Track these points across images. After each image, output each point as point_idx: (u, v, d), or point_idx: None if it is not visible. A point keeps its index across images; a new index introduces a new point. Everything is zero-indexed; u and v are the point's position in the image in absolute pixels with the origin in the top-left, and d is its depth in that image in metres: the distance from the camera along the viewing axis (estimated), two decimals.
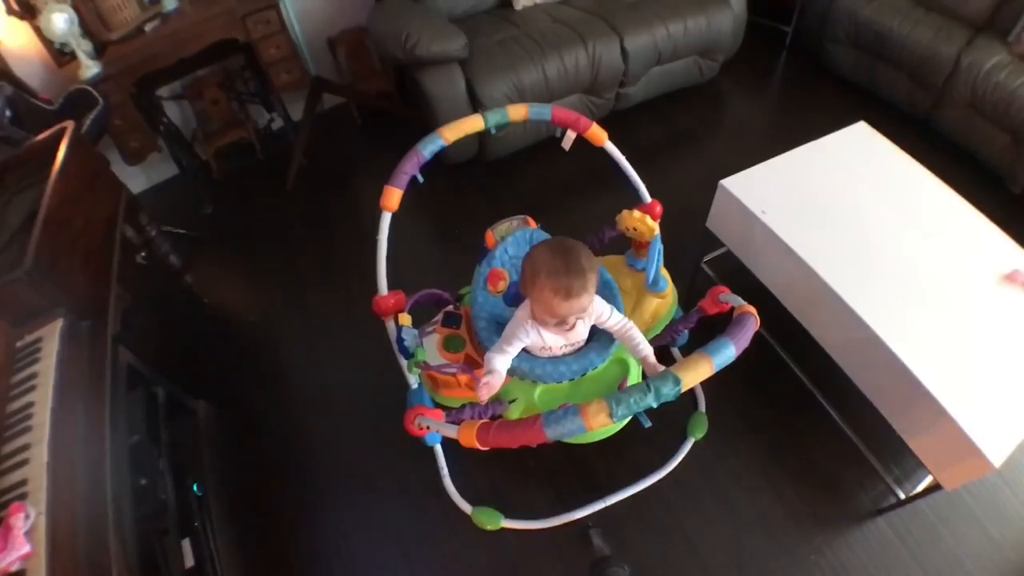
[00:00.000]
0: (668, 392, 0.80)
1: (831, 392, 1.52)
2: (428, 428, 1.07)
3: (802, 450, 1.47)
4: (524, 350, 1.20)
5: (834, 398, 1.51)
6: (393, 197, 1.20)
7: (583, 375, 1.20)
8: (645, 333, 1.36)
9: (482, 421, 0.87)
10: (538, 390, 1.23)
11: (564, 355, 1.20)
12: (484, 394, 1.05)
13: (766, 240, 1.38)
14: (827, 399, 1.52)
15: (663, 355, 1.58)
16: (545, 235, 1.38)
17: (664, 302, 1.40)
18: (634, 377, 1.26)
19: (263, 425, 1.68)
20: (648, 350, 1.11)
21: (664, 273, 1.40)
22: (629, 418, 1.14)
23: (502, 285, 1.33)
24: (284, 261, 2.13)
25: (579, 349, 1.22)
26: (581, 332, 1.17)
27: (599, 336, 1.22)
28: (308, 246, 2.17)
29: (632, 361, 1.26)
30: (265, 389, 1.76)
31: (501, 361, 1.11)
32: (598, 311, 1.14)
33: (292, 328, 1.91)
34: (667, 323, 1.39)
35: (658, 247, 1.28)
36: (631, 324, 1.15)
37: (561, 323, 1.07)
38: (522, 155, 2.30)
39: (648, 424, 1.05)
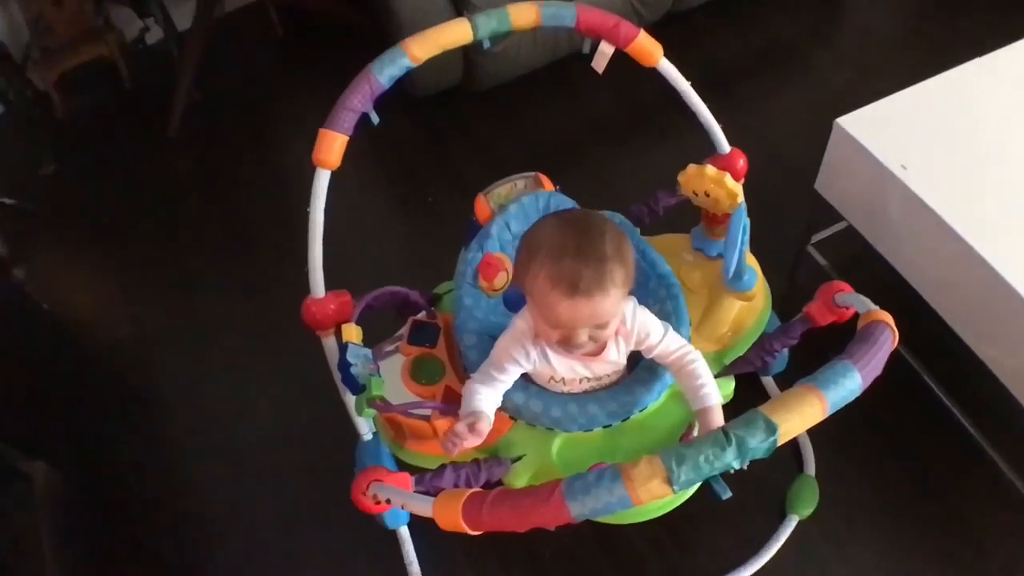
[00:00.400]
0: (758, 445, 0.79)
1: (1006, 442, 1.52)
2: (388, 502, 1.06)
3: (961, 529, 1.47)
4: (532, 379, 1.20)
5: (1011, 451, 1.51)
6: (333, 147, 1.20)
7: (626, 419, 1.19)
8: (723, 354, 1.35)
9: (471, 491, 0.86)
10: (557, 442, 1.23)
11: (592, 391, 1.20)
12: (453, 448, 1.04)
13: (908, 210, 1.37)
14: (1000, 452, 1.51)
15: (751, 387, 1.57)
16: (567, 201, 1.38)
17: (751, 307, 1.39)
18: None
19: (135, 493, 1.68)
20: (715, 399, 1.09)
21: (751, 262, 1.40)
22: (697, 485, 1.14)
23: (501, 279, 1.33)
24: (166, 247, 2.13)
25: (615, 383, 1.22)
26: (611, 360, 1.16)
27: (648, 362, 1.22)
28: (203, 223, 2.16)
29: None
30: (138, 441, 1.76)
31: (487, 398, 1.10)
32: (641, 328, 1.12)
33: (179, 349, 1.91)
34: (755, 338, 1.39)
35: (743, 222, 1.28)
36: (695, 354, 1.13)
37: (565, 339, 1.05)
38: (530, 82, 2.29)
39: (727, 495, 1.05)
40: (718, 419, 1.08)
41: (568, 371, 1.15)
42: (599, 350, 1.13)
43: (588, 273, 0.97)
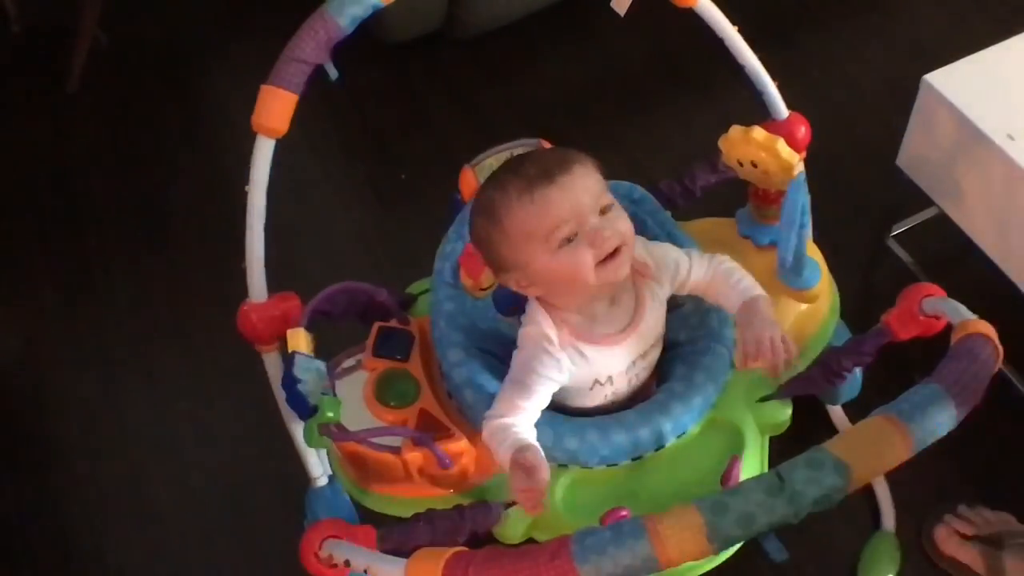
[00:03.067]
0: (823, 492, 0.79)
1: None
2: (347, 564, 1.07)
3: None
4: (567, 399, 1.21)
5: None
6: (279, 108, 1.19)
7: (660, 448, 1.20)
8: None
9: (453, 550, 0.87)
10: (563, 481, 1.22)
11: (631, 387, 1.22)
12: (532, 501, 1.02)
13: (1016, 192, 1.37)
14: None
15: (813, 417, 1.57)
16: None
17: (813, 310, 1.39)
18: (755, 460, 1.25)
19: (21, 561, 1.67)
20: (755, 289, 1.19)
21: (813, 253, 1.40)
22: (740, 543, 1.14)
23: (488, 273, 1.31)
24: (64, 235, 2.12)
25: (648, 390, 1.23)
26: (652, 321, 1.19)
27: (683, 371, 1.23)
28: (112, 205, 2.16)
29: (750, 428, 1.26)
30: (27, 491, 1.75)
31: (526, 430, 1.11)
32: (663, 259, 1.21)
33: (80, 369, 1.90)
34: (818, 352, 1.39)
35: (802, 201, 1.28)
36: (721, 256, 1.23)
37: (590, 239, 1.08)
38: (532, 27, 2.29)
39: (783, 556, 1.05)
40: (768, 308, 1.15)
41: (615, 359, 1.17)
42: (635, 318, 1.17)
43: (551, 157, 1.11)
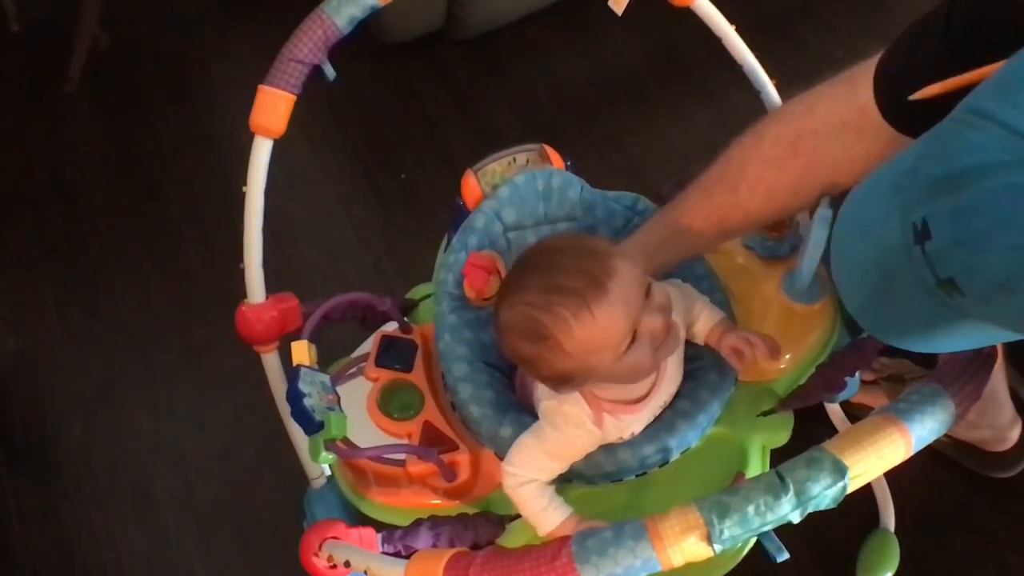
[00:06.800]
0: (823, 492, 0.79)
1: None
2: (347, 565, 1.06)
3: None
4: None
5: None
6: (276, 109, 1.20)
7: (664, 464, 1.20)
8: (777, 383, 1.33)
9: (454, 550, 0.87)
10: (567, 497, 1.19)
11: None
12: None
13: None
14: None
15: (812, 417, 1.57)
16: (572, 181, 1.36)
17: (815, 323, 1.37)
18: (757, 470, 1.24)
19: (20, 559, 1.68)
20: (717, 312, 1.19)
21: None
22: (747, 545, 1.14)
23: (493, 284, 1.32)
24: (62, 234, 2.13)
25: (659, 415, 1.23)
26: (673, 370, 1.18)
27: (688, 389, 1.22)
28: (111, 204, 2.16)
29: (754, 444, 1.26)
30: (25, 489, 1.76)
31: (557, 497, 1.12)
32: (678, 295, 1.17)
33: (79, 368, 1.91)
34: (822, 360, 1.39)
35: (826, 229, 1.23)
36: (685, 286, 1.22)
37: (657, 338, 1.07)
38: (531, 27, 2.30)
39: (784, 556, 1.05)
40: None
41: (642, 419, 1.16)
42: (659, 373, 1.15)
43: (583, 257, 1.03)
